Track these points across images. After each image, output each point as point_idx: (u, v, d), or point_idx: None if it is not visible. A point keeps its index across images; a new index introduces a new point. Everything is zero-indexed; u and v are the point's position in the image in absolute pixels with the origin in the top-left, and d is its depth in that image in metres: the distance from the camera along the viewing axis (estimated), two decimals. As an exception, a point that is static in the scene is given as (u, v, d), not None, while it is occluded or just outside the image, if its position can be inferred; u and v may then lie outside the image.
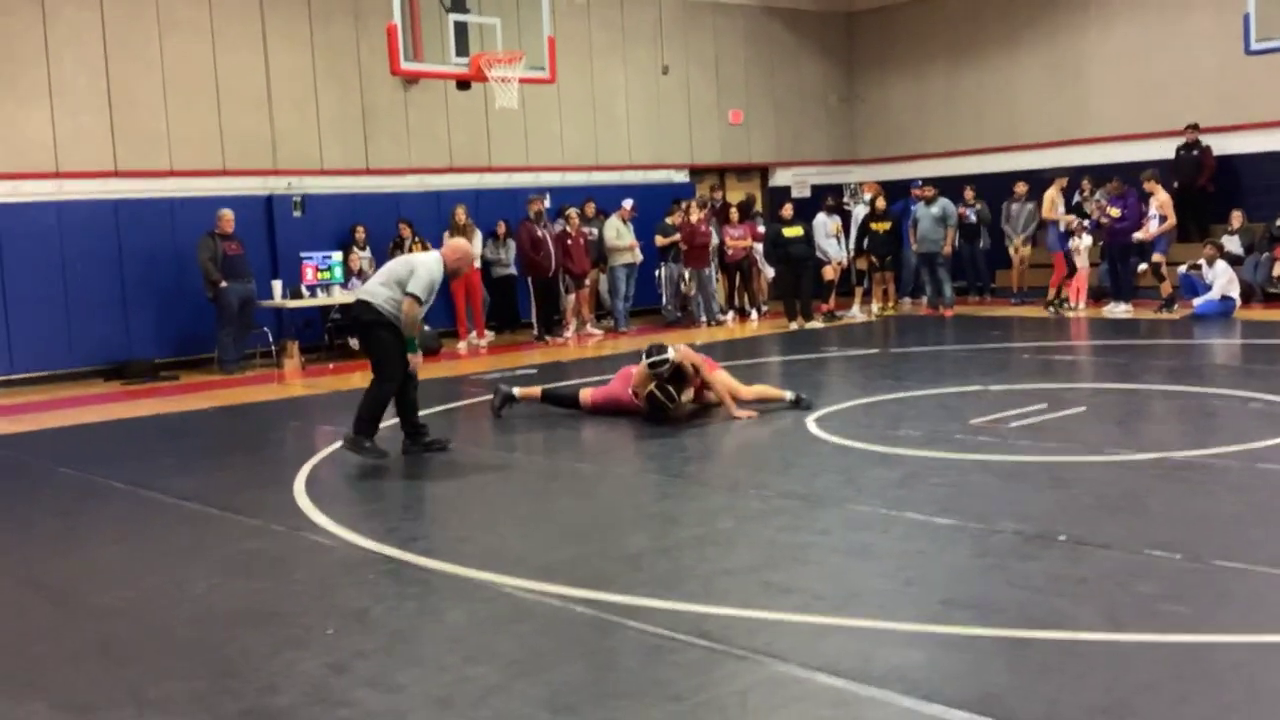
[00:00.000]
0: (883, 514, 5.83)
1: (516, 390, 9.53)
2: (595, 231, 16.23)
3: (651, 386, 8.53)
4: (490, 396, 9.46)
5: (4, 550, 6.11)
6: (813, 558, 5.23)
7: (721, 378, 8.92)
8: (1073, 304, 15.32)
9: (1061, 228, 15.45)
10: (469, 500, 6.81)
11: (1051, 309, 15.22)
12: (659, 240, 16.41)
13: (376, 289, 7.66)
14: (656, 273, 16.79)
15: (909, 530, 5.56)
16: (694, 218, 16.19)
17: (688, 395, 8.83)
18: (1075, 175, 16.67)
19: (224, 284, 13.29)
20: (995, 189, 17.70)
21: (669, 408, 8.56)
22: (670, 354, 8.58)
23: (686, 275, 16.46)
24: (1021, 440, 7.41)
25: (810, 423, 8.38)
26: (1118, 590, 4.58)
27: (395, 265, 7.80)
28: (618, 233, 16.06)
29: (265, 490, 7.15)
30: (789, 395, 8.99)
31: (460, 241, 8.14)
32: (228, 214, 13.52)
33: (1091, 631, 4.14)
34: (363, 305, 7.67)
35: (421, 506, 6.71)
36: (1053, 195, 15.57)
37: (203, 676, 4.15)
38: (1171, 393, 9.22)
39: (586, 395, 9.23)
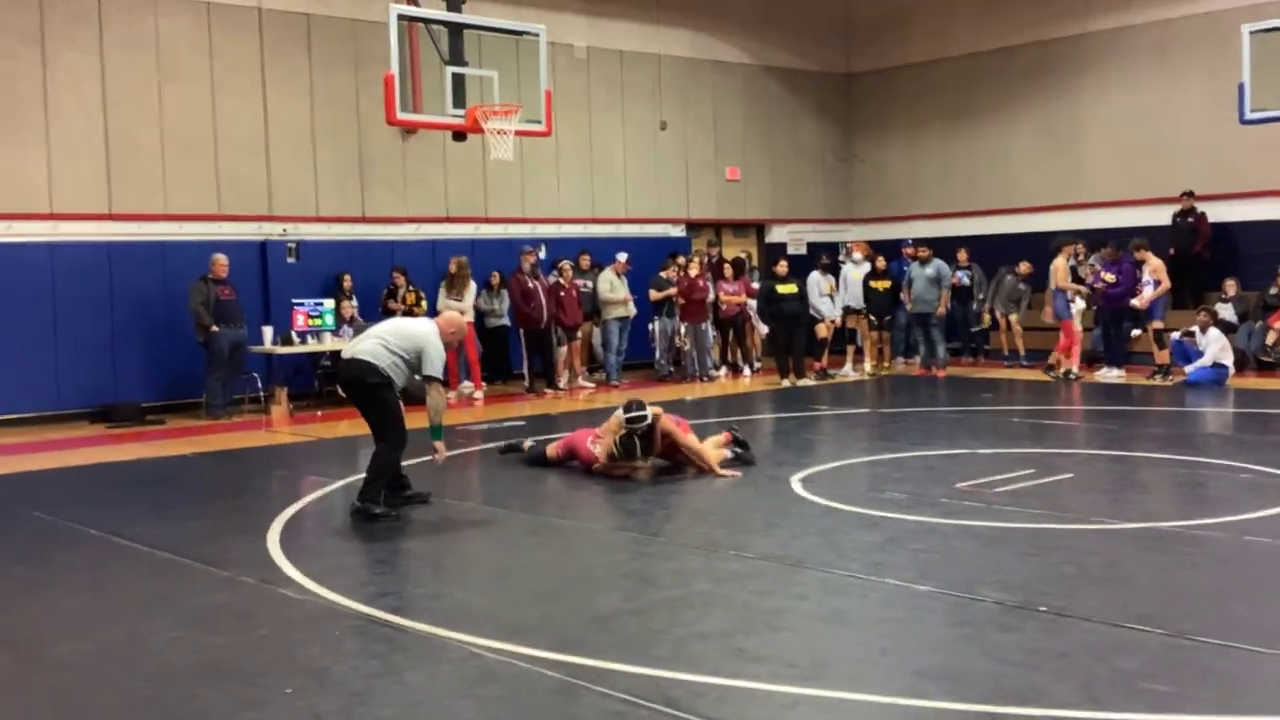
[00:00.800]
0: (861, 579, 5.72)
1: (525, 443, 9.65)
2: (589, 284, 16.22)
3: (619, 436, 8.44)
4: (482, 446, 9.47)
5: (-33, 597, 5.99)
6: (787, 624, 5.13)
7: (694, 442, 8.81)
8: (1072, 370, 15.18)
9: (1070, 297, 15.23)
10: (444, 555, 6.71)
11: (1061, 377, 14.98)
12: (653, 294, 16.40)
13: (379, 351, 7.35)
14: (650, 327, 16.76)
15: (887, 596, 5.46)
16: (693, 272, 16.19)
17: (650, 460, 8.68)
18: (1069, 241, 16.67)
19: (215, 329, 13.23)
20: (988, 252, 17.73)
21: (631, 459, 8.45)
22: (648, 413, 8.50)
23: (682, 330, 16.42)
24: (1007, 506, 7.32)
25: (795, 482, 8.29)
26: (1097, 665, 4.47)
27: (400, 334, 7.47)
28: (611, 286, 16.05)
29: (239, 540, 7.04)
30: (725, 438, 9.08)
31: (454, 315, 7.92)
32: (221, 259, 13.50)
33: (1068, 709, 4.03)
34: (365, 366, 7.34)
35: (395, 560, 6.60)
36: (1062, 264, 15.26)
37: (153, 735, 4.04)
38: (1161, 461, 9.14)
39: (555, 445, 9.22)
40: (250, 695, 4.39)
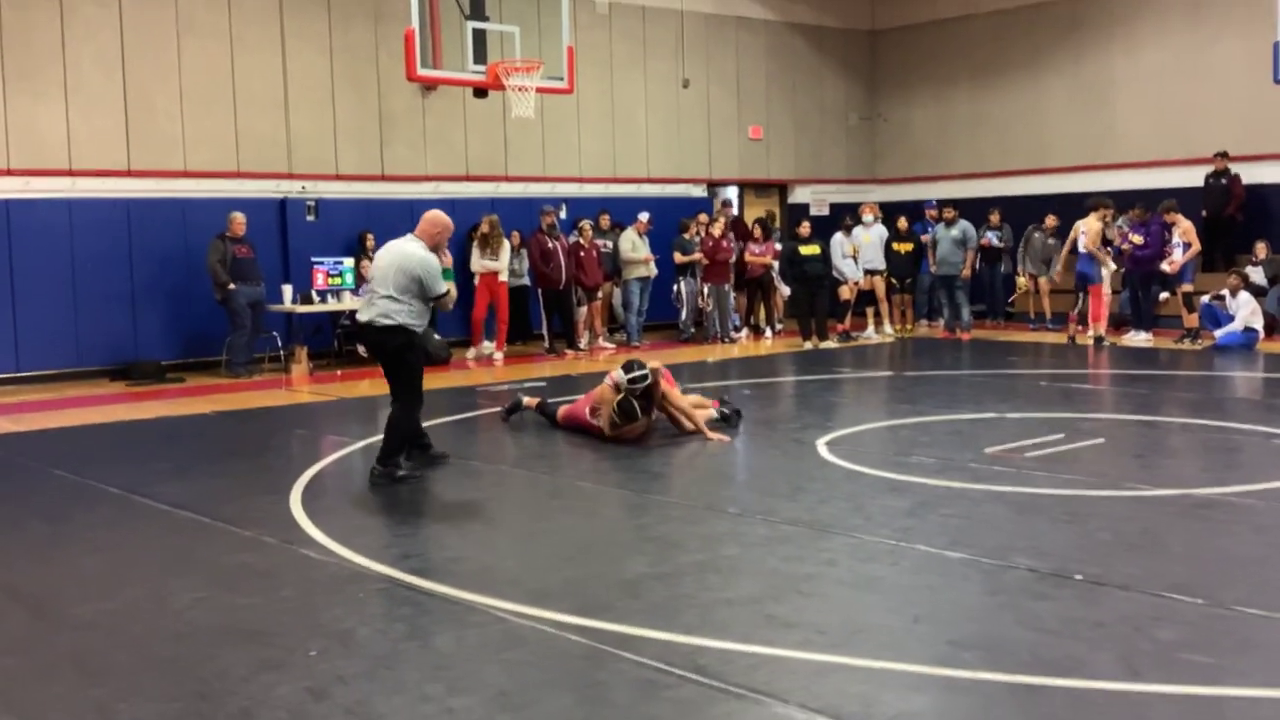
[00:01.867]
0: (891, 545, 5.63)
1: (525, 399, 9.45)
2: (609, 244, 16.08)
3: (617, 400, 8.31)
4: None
5: (-12, 555, 5.95)
6: (817, 589, 5.04)
7: (683, 401, 8.72)
8: (1101, 335, 14.89)
9: (1100, 264, 14.76)
10: (467, 516, 6.63)
11: (1091, 342, 14.70)
12: (678, 258, 16.23)
13: (391, 307, 7.16)
14: (675, 287, 16.59)
15: (918, 563, 5.36)
16: (716, 232, 16.02)
17: (651, 417, 8.56)
18: (1104, 203, 16.41)
19: (233, 287, 13.17)
20: (1019, 212, 17.47)
21: (631, 422, 8.31)
22: (648, 372, 8.37)
23: (705, 291, 16.26)
24: (1037, 471, 7.20)
25: (821, 446, 8.18)
26: (1135, 635, 4.37)
27: (390, 273, 7.21)
28: (633, 245, 15.90)
29: (261, 500, 6.99)
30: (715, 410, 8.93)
31: (436, 213, 7.58)
32: (239, 217, 13.41)
33: (1106, 680, 3.94)
34: (384, 330, 7.18)
35: (419, 521, 6.53)
36: (1096, 226, 14.65)
37: (176, 698, 3.98)
38: (1193, 426, 8.99)
39: (561, 411, 9.12)
40: (272, 657, 4.33)
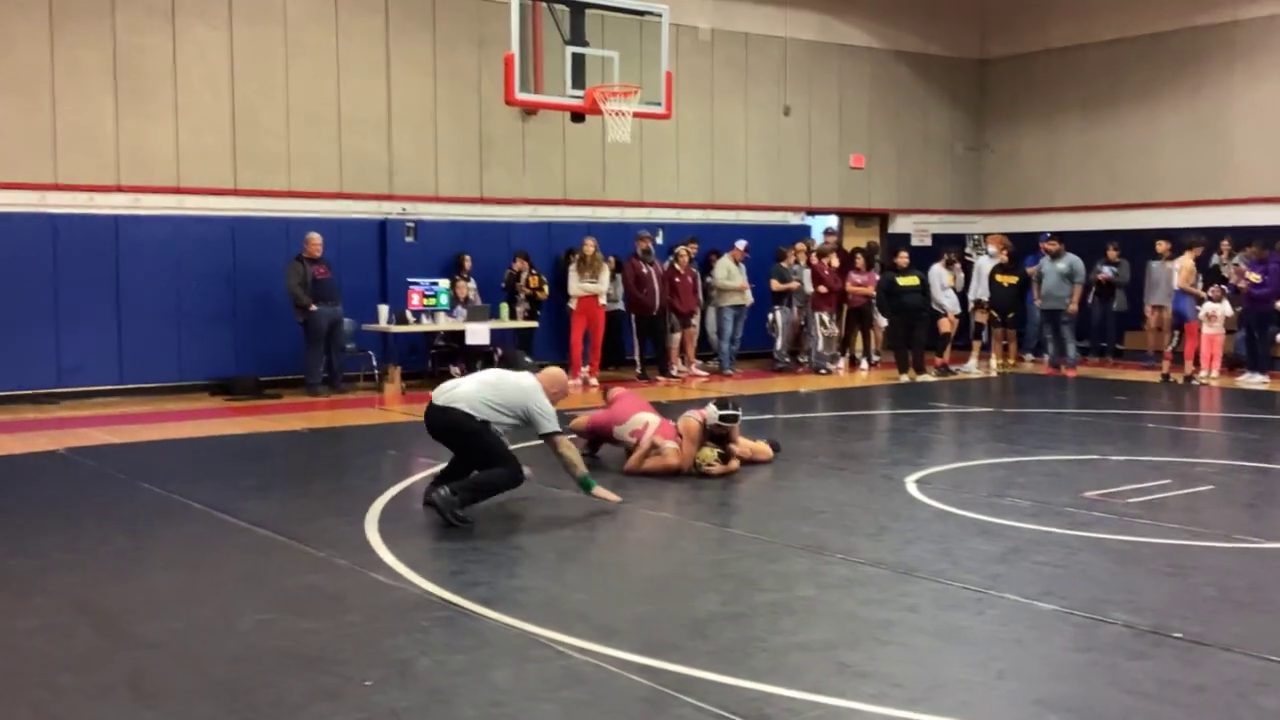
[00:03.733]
0: (979, 592, 5.36)
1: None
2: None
3: (707, 447, 8.18)
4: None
5: (67, 568, 5.99)
6: (896, 637, 4.80)
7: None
8: (1204, 371, 14.38)
9: (1198, 304, 14.38)
10: (540, 546, 6.50)
11: (1183, 380, 14.23)
12: (775, 285, 15.99)
13: (479, 406, 6.89)
14: (770, 316, 16.33)
15: (1006, 613, 5.09)
16: (834, 263, 15.87)
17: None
18: (1214, 237, 15.82)
19: (314, 308, 13.29)
20: (1129, 247, 16.90)
21: (724, 461, 8.23)
22: (739, 412, 8.23)
23: (826, 319, 15.94)
24: (1139, 519, 6.84)
25: (910, 484, 7.92)
26: (1239, 703, 4.07)
27: (500, 393, 6.97)
28: (729, 273, 15.73)
29: (338, 520, 6.96)
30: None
31: (557, 372, 7.44)
32: (315, 238, 13.56)
33: (1205, 751, 3.65)
34: (462, 416, 6.88)
35: (490, 549, 6.41)
36: (1189, 265, 14.38)
37: (227, 724, 3.91)
38: (1310, 475, 8.51)
39: (585, 419, 8.98)
40: (329, 685, 4.24)
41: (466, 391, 7.02)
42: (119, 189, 13.37)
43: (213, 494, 7.69)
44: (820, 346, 15.95)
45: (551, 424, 6.98)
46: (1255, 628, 4.88)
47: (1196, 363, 14.48)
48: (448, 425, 6.97)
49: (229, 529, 6.79)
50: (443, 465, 7.39)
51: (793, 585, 5.53)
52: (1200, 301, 14.41)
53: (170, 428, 10.97)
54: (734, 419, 8.24)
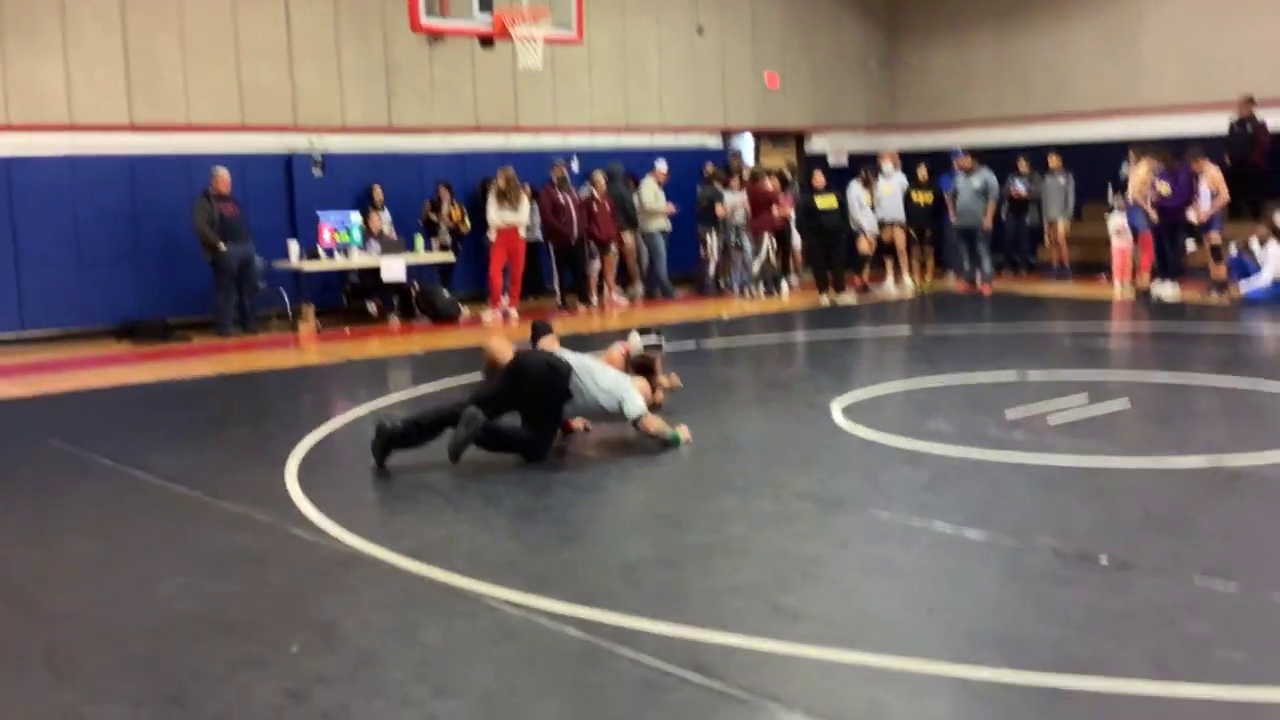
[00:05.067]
0: (907, 524, 5.38)
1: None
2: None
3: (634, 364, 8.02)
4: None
5: (-28, 535, 5.77)
6: (827, 574, 4.81)
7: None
8: (1122, 282, 14.59)
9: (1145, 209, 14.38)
10: (466, 492, 6.37)
11: (1148, 293, 14.37)
12: (719, 210, 15.78)
13: (579, 381, 6.81)
14: (708, 240, 16.14)
15: (935, 544, 5.11)
16: (771, 186, 15.67)
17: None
18: (1121, 147, 15.99)
19: (223, 247, 12.88)
20: (1042, 160, 17.04)
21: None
22: (662, 341, 8.11)
23: (772, 242, 15.83)
24: (1060, 439, 6.92)
25: (835, 411, 7.92)
26: (1166, 629, 4.13)
27: (597, 368, 7.00)
28: (655, 195, 15.56)
29: (256, 472, 6.79)
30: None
31: (617, 355, 7.82)
32: (223, 173, 13.10)
33: (1135, 679, 3.69)
34: (567, 370, 6.79)
35: (415, 496, 6.29)
36: (1145, 175, 14.28)
37: (147, 700, 3.78)
38: (1221, 388, 8.67)
39: None
40: (253, 652, 4.13)
41: (578, 360, 6.96)
42: (8, 129, 12.79)
43: (124, 448, 7.46)
44: (757, 270, 15.87)
45: (642, 407, 7.00)
46: (1178, 551, 4.95)
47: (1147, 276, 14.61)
48: (550, 375, 6.77)
49: (142, 486, 6.59)
50: (370, 407, 7.21)
51: (724, 524, 5.50)
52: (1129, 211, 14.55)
53: (76, 377, 10.61)
54: (658, 348, 8.13)
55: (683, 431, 7.15)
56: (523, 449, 6.80)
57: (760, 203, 15.66)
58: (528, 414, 6.87)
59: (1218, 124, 16.14)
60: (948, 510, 5.55)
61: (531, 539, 5.48)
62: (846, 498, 5.86)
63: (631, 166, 16.29)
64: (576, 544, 5.34)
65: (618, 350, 8.15)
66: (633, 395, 7.02)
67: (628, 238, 15.76)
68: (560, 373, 6.80)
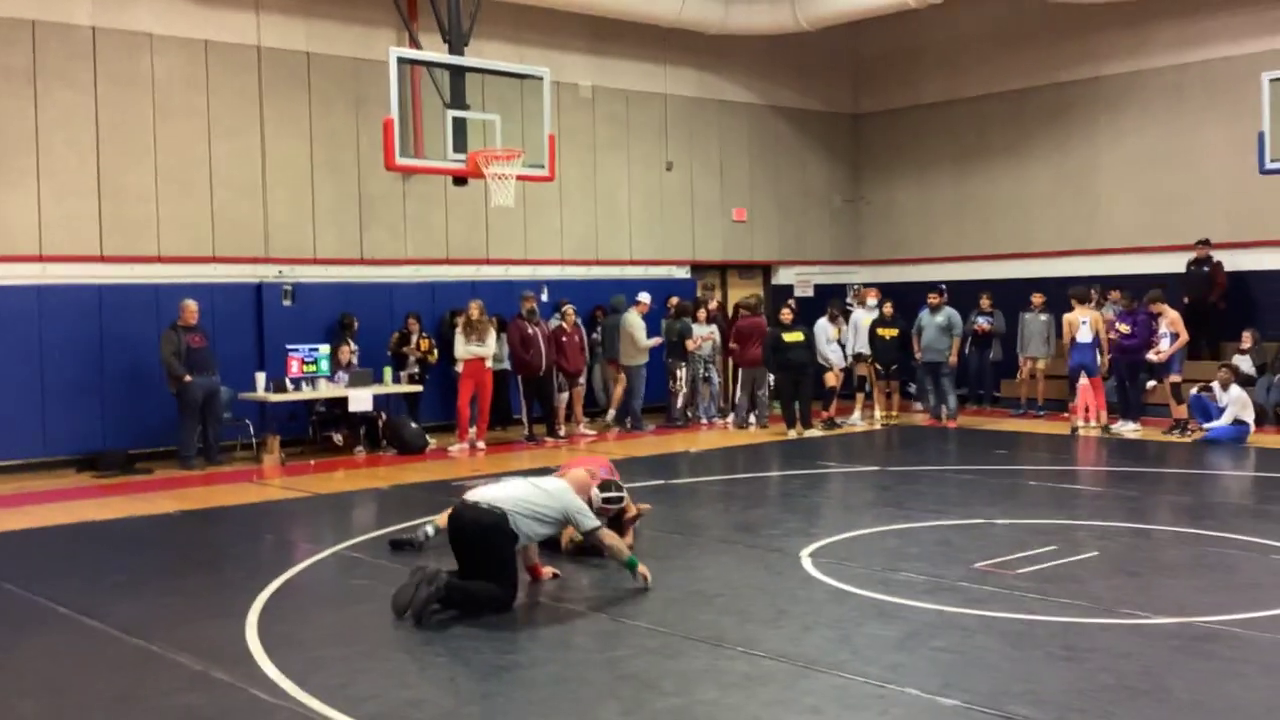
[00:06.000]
0: (880, 688, 5.30)
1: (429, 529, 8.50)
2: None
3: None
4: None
5: (-82, 694, 5.58)
6: (801, 746, 4.72)
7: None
8: (1084, 422, 14.73)
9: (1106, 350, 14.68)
10: (432, 648, 6.24)
11: (1104, 431, 14.49)
12: (690, 344, 15.90)
13: (523, 519, 6.75)
14: (679, 373, 16.20)
15: (909, 712, 5.04)
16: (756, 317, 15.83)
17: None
18: (1085, 286, 16.29)
19: (189, 379, 12.81)
20: (1006, 296, 17.36)
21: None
22: (624, 494, 8.08)
23: (756, 378, 15.88)
24: (1030, 593, 6.90)
25: (805, 558, 7.89)
26: (1142, 810, 4.06)
27: (535, 496, 6.90)
28: (642, 328, 15.68)
29: (215, 623, 6.64)
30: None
31: (583, 475, 7.66)
32: (191, 305, 13.10)
33: None
34: (500, 518, 6.67)
35: (382, 653, 6.15)
36: (1072, 319, 14.69)
37: None
38: (1187, 536, 8.71)
39: None
40: (210, 835, 3.98)
41: (511, 496, 6.86)
42: (-24, 258, 12.79)
43: (80, 594, 7.29)
44: (679, 404, 16.05)
45: (593, 520, 7.08)
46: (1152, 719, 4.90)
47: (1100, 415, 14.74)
48: (484, 526, 6.70)
49: (98, 638, 6.42)
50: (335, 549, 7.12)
51: (693, 686, 5.41)
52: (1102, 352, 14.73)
53: (34, 512, 10.43)
54: (619, 499, 8.08)
55: (642, 570, 7.13)
56: (488, 603, 6.71)
57: (750, 336, 15.66)
58: (482, 567, 6.79)
59: (1175, 264, 16.54)
60: (921, 675, 5.48)
61: (498, 703, 5.36)
62: (819, 657, 5.79)
63: (601, 299, 16.43)
64: (544, 709, 5.22)
65: (583, 471, 7.97)
66: (583, 511, 7.04)
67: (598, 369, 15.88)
68: (496, 520, 6.71)
